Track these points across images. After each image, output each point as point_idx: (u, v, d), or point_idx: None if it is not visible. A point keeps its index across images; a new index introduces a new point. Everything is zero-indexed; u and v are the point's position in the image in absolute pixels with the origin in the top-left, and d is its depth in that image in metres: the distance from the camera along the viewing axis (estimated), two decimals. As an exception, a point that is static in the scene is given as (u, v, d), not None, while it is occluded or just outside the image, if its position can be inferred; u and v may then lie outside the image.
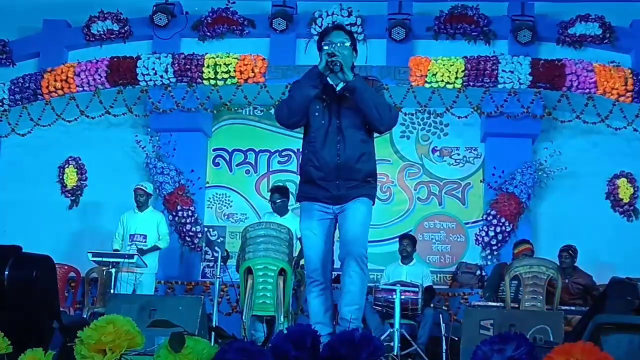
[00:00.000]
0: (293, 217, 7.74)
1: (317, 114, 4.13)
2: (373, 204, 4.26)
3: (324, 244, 4.17)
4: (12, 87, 9.45)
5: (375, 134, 4.31)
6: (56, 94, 9.34)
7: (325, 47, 4.08)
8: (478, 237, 9.27)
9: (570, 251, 7.77)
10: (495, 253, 9.10)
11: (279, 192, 7.66)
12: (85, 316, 8.13)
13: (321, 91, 4.11)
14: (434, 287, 8.21)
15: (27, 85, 9.39)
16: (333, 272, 4.32)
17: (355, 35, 9.33)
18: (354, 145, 4.08)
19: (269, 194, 7.89)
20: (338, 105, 4.13)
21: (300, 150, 4.40)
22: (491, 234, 9.09)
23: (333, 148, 4.07)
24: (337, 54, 3.98)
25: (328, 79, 4.13)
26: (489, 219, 9.14)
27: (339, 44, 4.10)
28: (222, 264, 7.23)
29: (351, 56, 4.16)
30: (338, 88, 4.16)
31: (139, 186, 8.26)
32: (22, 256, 2.75)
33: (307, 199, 4.22)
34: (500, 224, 9.05)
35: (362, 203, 4.12)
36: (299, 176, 4.47)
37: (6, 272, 2.68)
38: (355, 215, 4.10)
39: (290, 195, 7.97)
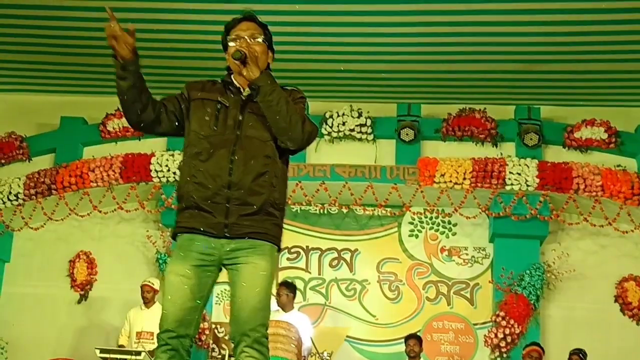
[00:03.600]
0: (298, 314, 7.76)
1: (207, 117, 3.19)
2: (278, 250, 3.21)
3: (192, 297, 3.07)
4: (28, 182, 9.60)
5: (291, 155, 3.35)
6: (70, 189, 9.48)
7: (232, 44, 3.21)
8: (487, 339, 9.18)
9: (580, 355, 7.70)
10: (505, 355, 9.00)
11: (286, 286, 7.69)
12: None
13: (221, 92, 3.27)
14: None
15: (42, 180, 9.54)
16: (194, 340, 3.19)
17: (365, 135, 9.65)
18: (255, 159, 3.12)
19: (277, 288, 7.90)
20: (242, 112, 3.20)
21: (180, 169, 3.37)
22: (500, 335, 9.00)
23: (225, 161, 3.10)
24: (243, 51, 3.08)
25: (232, 78, 3.29)
26: (498, 320, 9.08)
27: (249, 39, 3.20)
28: (229, 362, 7.20)
29: (264, 55, 3.23)
30: (245, 93, 3.25)
31: (145, 282, 8.29)
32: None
33: (185, 231, 3.15)
34: (510, 325, 8.98)
35: (262, 257, 3.08)
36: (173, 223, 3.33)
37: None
38: (253, 279, 3.06)
39: (297, 292, 7.99)
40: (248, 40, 3.19)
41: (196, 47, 8.87)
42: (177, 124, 3.28)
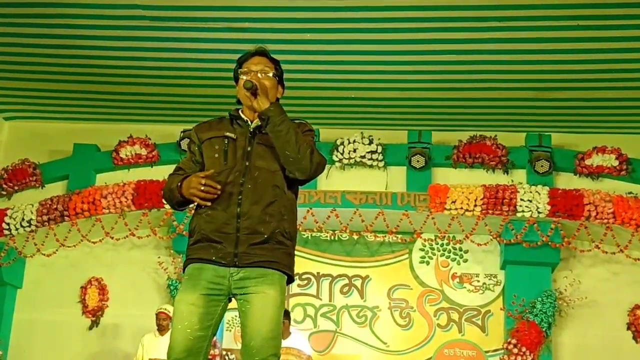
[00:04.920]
0: (298, 337, 7.84)
1: (216, 155, 3.24)
2: (290, 281, 3.25)
3: (200, 327, 3.09)
4: (40, 209, 9.64)
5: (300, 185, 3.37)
6: (83, 216, 9.51)
7: (242, 77, 3.27)
8: (499, 366, 9.16)
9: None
10: (517, 383, 8.95)
11: None
12: None
13: (229, 126, 3.33)
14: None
15: (55, 207, 9.58)
16: None
17: (376, 162, 9.67)
18: (263, 189, 3.15)
19: None
20: (250, 143, 3.25)
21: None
22: (512, 363, 8.98)
23: (234, 191, 3.15)
24: (254, 82, 3.17)
25: (240, 112, 3.35)
26: (509, 347, 9.02)
27: (259, 73, 3.27)
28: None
29: (274, 89, 3.30)
30: (253, 125, 3.30)
31: (161, 310, 8.29)
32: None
33: (194, 261, 3.17)
34: (522, 353, 8.93)
35: (271, 287, 3.09)
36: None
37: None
38: (263, 308, 3.07)
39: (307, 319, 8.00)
40: (258, 75, 3.26)
41: (209, 75, 8.97)
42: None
